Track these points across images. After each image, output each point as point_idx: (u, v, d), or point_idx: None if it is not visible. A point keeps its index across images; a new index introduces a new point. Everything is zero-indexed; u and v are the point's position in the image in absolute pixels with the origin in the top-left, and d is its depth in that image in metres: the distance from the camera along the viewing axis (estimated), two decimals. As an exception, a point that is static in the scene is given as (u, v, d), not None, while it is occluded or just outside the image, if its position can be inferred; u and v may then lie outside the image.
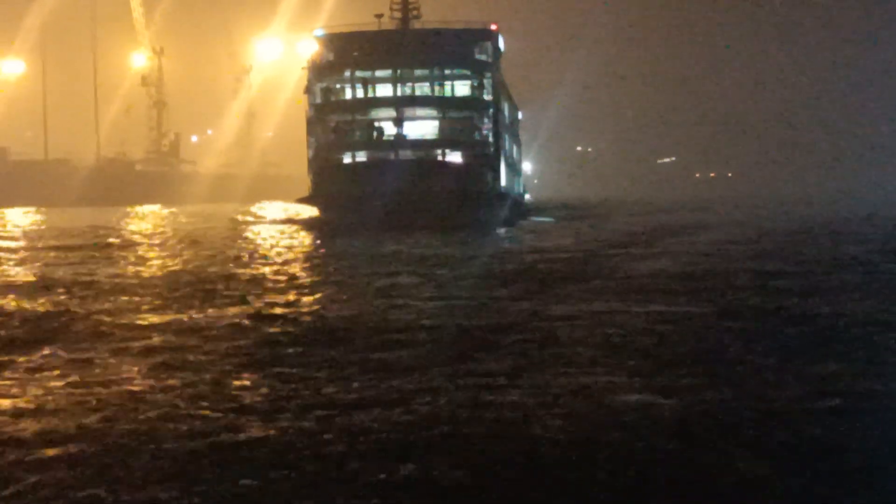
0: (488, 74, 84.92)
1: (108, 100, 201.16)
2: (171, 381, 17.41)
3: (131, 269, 41.32)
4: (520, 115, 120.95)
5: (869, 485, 11.59)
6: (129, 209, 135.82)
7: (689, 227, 76.92)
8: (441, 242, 55.66)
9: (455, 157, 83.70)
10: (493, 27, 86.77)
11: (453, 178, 79.49)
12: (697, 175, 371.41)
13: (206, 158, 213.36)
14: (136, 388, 16.85)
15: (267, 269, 40.17)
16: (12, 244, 60.13)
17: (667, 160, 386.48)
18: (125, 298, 29.77)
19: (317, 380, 17.41)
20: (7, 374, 18.07)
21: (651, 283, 33.44)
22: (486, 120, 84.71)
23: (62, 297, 29.99)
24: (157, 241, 62.74)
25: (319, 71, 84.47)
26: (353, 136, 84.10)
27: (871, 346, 20.63)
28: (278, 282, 35.10)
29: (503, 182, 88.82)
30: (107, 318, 25.13)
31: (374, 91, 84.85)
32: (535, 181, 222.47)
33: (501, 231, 72.47)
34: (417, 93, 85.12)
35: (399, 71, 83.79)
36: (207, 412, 15.09)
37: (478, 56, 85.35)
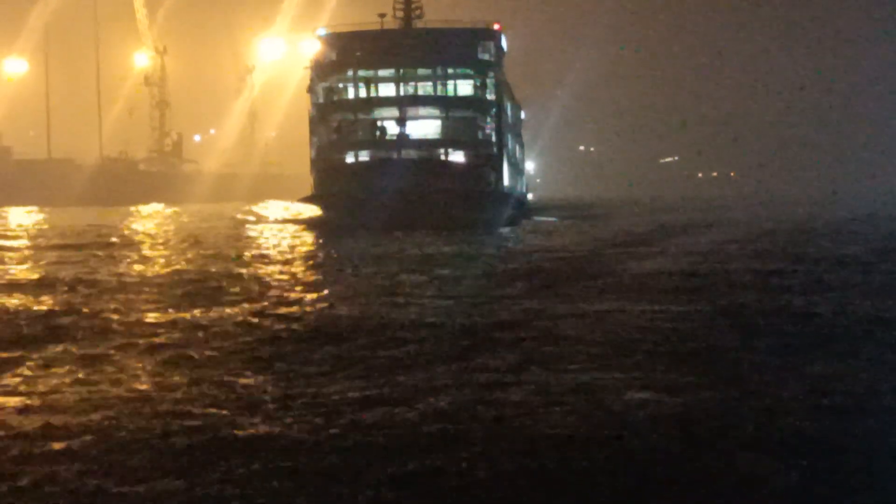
0: (491, 74, 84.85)
1: (111, 99, 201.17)
2: (176, 378, 17.55)
3: (135, 268, 41.40)
4: (522, 115, 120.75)
5: (870, 484, 11.61)
6: (131, 209, 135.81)
7: (691, 227, 76.93)
8: (444, 242, 55.69)
9: (458, 157, 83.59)
10: (496, 26, 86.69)
11: (456, 177, 79.42)
12: (700, 175, 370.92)
13: (208, 158, 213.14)
14: (141, 386, 16.98)
15: (270, 269, 40.25)
16: (16, 243, 60.21)
17: (669, 160, 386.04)
18: (129, 297, 29.87)
19: (320, 377, 17.52)
20: (16, 370, 18.21)
21: (653, 282, 33.52)
22: (488, 119, 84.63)
23: (67, 296, 30.10)
24: (160, 241, 62.80)
25: (322, 70, 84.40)
26: (355, 135, 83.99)
27: (873, 345, 20.69)
28: (281, 281, 35.19)
29: (506, 182, 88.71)
30: (111, 317, 25.23)
31: (376, 90, 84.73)
32: (538, 181, 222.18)
33: (504, 231, 72.45)
34: (420, 92, 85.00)
35: (402, 70, 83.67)
36: (212, 409, 15.22)
37: (481, 55, 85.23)
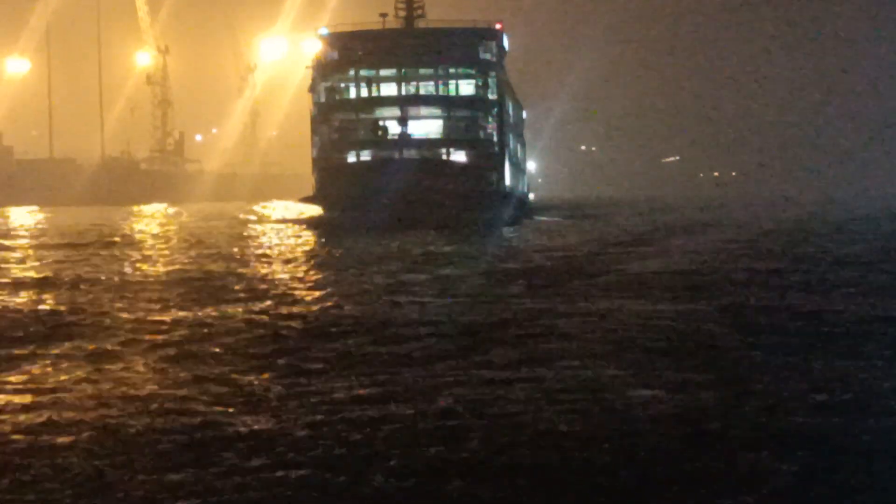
0: (493, 73, 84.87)
1: (113, 99, 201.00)
2: (180, 375, 17.66)
3: (137, 267, 41.49)
4: (524, 115, 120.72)
5: (870, 483, 11.61)
6: (133, 208, 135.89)
7: (692, 227, 76.95)
8: (445, 241, 55.72)
9: (459, 157, 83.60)
10: (498, 26, 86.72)
11: (458, 177, 79.43)
12: (701, 175, 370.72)
13: (210, 157, 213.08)
14: (146, 382, 17.08)
15: (271, 268, 40.32)
16: (19, 243, 60.30)
17: (670, 159, 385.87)
18: (133, 296, 29.95)
19: (323, 374, 17.61)
20: (24, 367, 18.34)
21: (654, 281, 33.58)
22: (490, 119, 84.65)
23: (71, 295, 30.20)
24: (162, 240, 62.88)
25: (324, 70, 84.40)
26: (357, 135, 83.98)
27: (874, 344, 20.74)
28: (283, 280, 35.26)
29: (507, 181, 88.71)
30: (115, 315, 25.34)
31: (378, 90, 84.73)
32: (539, 180, 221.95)
33: (506, 230, 72.46)
34: (422, 92, 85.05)
35: (403, 70, 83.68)
36: (216, 404, 15.32)
37: (482, 55, 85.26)
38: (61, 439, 13.35)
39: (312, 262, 44.97)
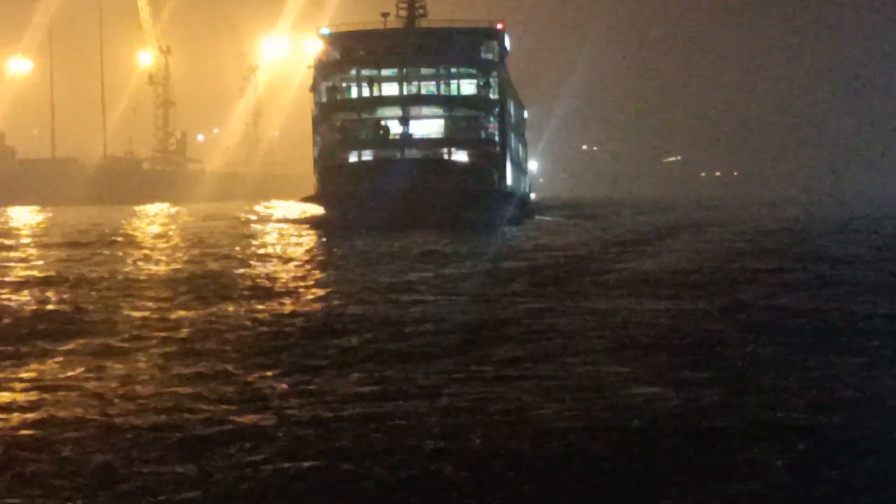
0: (494, 73, 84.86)
1: (115, 98, 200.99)
2: (184, 372, 17.77)
3: (140, 266, 41.58)
4: (525, 114, 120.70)
5: (871, 482, 11.62)
6: (136, 208, 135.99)
7: (693, 226, 77.01)
8: (447, 241, 55.78)
9: (461, 156, 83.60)
10: (500, 26, 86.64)
11: (459, 176, 79.41)
12: (703, 174, 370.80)
13: (212, 157, 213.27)
14: (150, 378, 17.20)
15: (274, 267, 40.41)
16: (22, 242, 60.42)
17: (672, 159, 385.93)
18: (136, 295, 30.05)
19: (326, 371, 17.71)
20: (31, 364, 18.47)
21: (656, 279, 33.65)
22: (492, 119, 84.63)
23: (74, 294, 30.30)
24: (164, 240, 62.98)
25: (325, 69, 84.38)
26: (358, 134, 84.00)
27: (874, 341, 20.79)
28: (285, 279, 35.33)
29: (509, 181, 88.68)
30: (119, 313, 25.46)
31: (379, 90, 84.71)
32: (541, 180, 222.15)
33: (507, 229, 72.52)
34: (423, 91, 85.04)
35: (405, 70, 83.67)
36: (220, 401, 15.42)
37: (484, 55, 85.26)
38: (67, 434, 13.49)
39: (314, 261, 45.04)
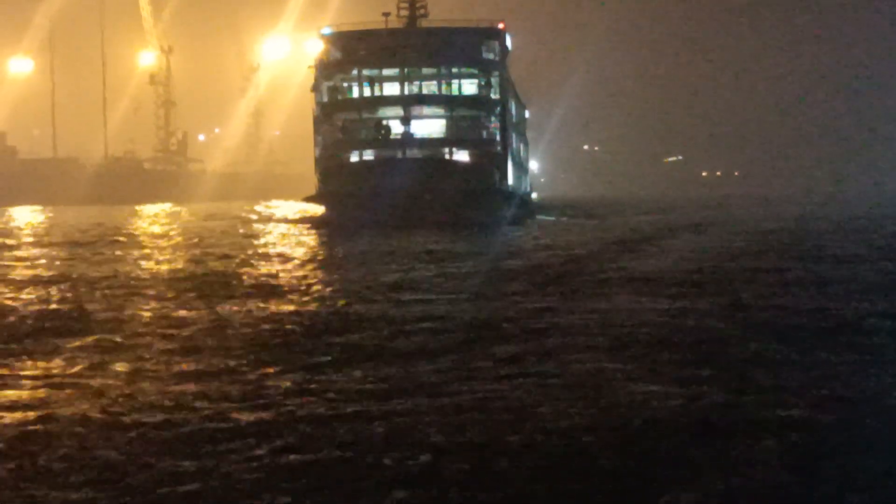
0: (496, 73, 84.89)
1: (117, 98, 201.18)
2: (187, 368, 17.88)
3: (141, 266, 41.67)
4: (527, 114, 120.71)
5: (871, 481, 11.65)
6: (137, 208, 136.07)
7: (694, 226, 77.03)
8: (449, 240, 55.86)
9: (462, 156, 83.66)
10: (501, 25, 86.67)
11: (461, 176, 79.48)
12: (704, 174, 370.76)
13: (213, 157, 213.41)
14: (154, 376, 17.29)
15: (275, 266, 40.48)
16: (24, 241, 60.51)
17: (673, 159, 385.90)
18: (139, 294, 30.13)
19: (328, 369, 17.79)
20: (37, 362, 18.57)
21: (657, 279, 33.69)
22: (493, 118, 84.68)
23: (77, 293, 30.38)
24: (166, 239, 63.06)
25: (326, 69, 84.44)
26: (360, 134, 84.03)
27: (875, 340, 20.85)
28: (287, 277, 35.41)
29: (510, 180, 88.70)
30: (122, 312, 25.55)
31: (381, 89, 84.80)
32: (542, 180, 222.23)
33: (509, 229, 72.59)
34: (425, 91, 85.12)
35: (406, 69, 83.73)
36: (223, 397, 15.52)
37: (485, 54, 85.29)
38: (73, 430, 13.61)
39: (315, 260, 45.13)
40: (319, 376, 17.10)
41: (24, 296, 29.94)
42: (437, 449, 12.67)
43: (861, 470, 11.94)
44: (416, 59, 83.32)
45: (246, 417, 14.24)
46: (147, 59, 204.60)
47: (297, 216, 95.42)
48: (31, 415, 14.43)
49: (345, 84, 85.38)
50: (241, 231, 71.38)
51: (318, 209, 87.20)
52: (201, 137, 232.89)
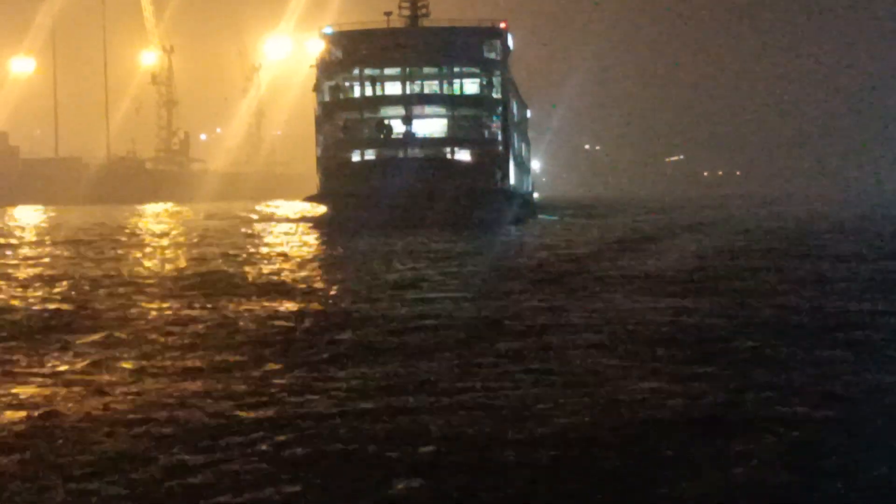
0: (497, 72, 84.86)
1: (118, 98, 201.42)
2: (192, 365, 17.99)
3: (144, 264, 41.77)
4: (528, 114, 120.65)
5: (872, 480, 11.68)
6: (139, 207, 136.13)
7: (696, 225, 77.03)
8: (450, 240, 55.90)
9: (464, 156, 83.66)
10: (503, 25, 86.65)
11: (462, 176, 79.48)
12: (706, 173, 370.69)
13: (215, 157, 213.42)
14: (159, 373, 17.39)
15: (277, 265, 40.56)
16: (27, 240, 60.60)
17: (675, 158, 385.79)
18: (142, 292, 30.23)
19: (331, 366, 17.88)
20: (44, 360, 18.68)
21: (658, 277, 33.76)
22: (494, 118, 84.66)
23: (81, 292, 30.49)
24: (167, 239, 63.15)
25: (328, 69, 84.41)
26: (361, 134, 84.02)
27: (876, 338, 20.91)
28: (289, 277, 35.48)
29: (512, 180, 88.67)
30: (127, 311, 25.65)
31: (382, 89, 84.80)
32: (543, 179, 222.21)
33: (510, 229, 72.61)
34: (426, 91, 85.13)
35: (408, 69, 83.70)
36: (228, 394, 15.61)
37: (487, 54, 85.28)
38: (81, 425, 13.75)
39: (317, 259, 45.21)
40: (323, 373, 17.21)
41: (29, 294, 30.05)
42: (438, 445, 12.75)
43: (861, 468, 11.98)
44: (418, 58, 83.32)
45: (250, 414, 14.36)
46: (149, 58, 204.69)
47: (299, 216, 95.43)
48: (38, 411, 14.56)
49: (346, 83, 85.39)
50: (242, 230, 71.42)
51: (320, 209, 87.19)
52: (203, 137, 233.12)
